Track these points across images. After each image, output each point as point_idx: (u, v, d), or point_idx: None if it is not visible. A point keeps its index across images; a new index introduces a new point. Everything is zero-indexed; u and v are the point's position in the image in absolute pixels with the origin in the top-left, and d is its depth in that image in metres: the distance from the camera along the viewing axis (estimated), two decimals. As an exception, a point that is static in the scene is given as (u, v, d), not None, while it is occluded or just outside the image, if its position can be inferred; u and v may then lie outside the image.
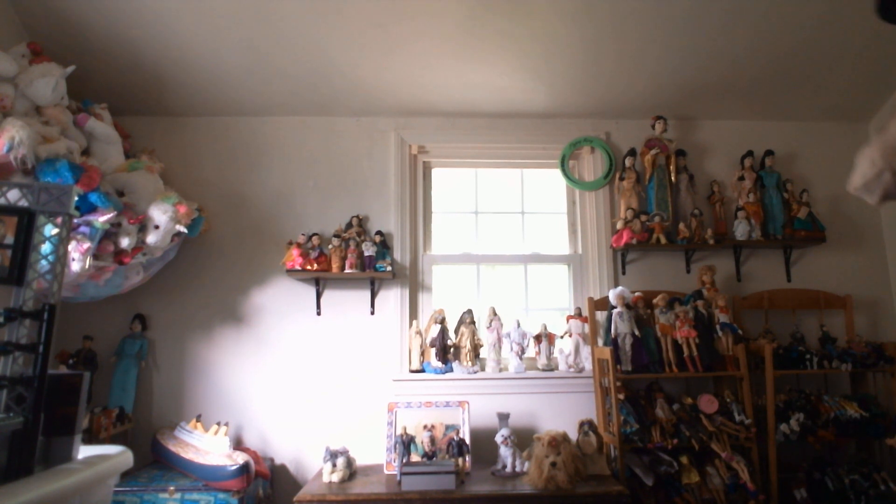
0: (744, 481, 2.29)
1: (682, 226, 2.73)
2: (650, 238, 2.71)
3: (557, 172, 2.97)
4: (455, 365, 2.68)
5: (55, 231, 1.14)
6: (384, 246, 2.73)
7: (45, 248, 1.13)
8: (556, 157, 2.96)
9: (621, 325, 2.53)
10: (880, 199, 0.96)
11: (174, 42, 2.42)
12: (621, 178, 2.87)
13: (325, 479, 2.24)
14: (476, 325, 2.72)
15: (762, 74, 2.72)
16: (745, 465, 2.33)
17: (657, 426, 2.40)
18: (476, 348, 2.70)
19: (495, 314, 2.73)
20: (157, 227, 2.22)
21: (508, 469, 2.33)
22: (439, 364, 2.65)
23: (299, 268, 2.59)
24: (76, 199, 1.77)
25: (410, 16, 2.33)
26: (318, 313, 2.76)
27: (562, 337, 2.76)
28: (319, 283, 2.76)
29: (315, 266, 2.61)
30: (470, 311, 2.73)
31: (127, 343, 2.61)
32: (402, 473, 2.15)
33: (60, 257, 1.14)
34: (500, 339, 2.71)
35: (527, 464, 2.30)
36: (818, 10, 2.38)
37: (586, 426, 2.42)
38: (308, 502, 2.07)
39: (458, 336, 2.71)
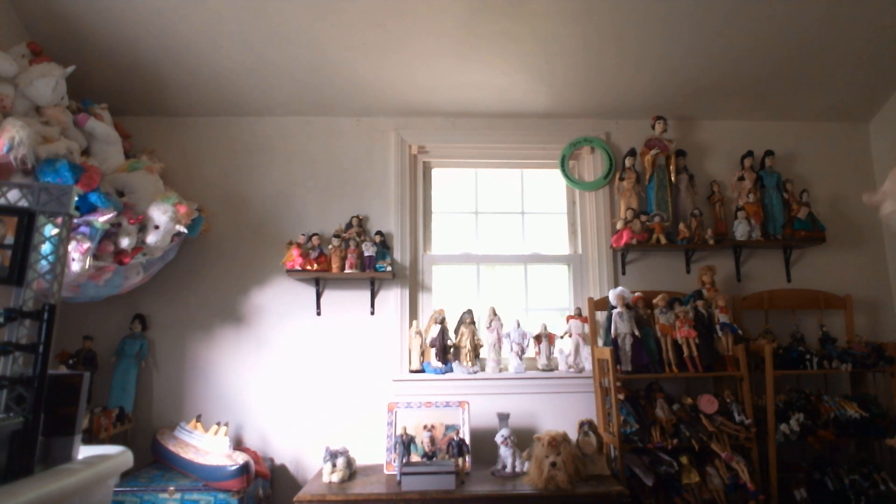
0: (744, 481, 2.29)
1: (682, 226, 2.73)
2: (650, 238, 2.71)
3: (557, 172, 2.97)
4: (455, 365, 2.68)
5: (55, 231, 1.14)
6: (384, 246, 2.73)
7: (45, 248, 1.13)
8: (556, 157, 2.96)
9: (621, 326, 2.53)
10: None
11: (174, 42, 2.42)
12: (621, 179, 2.87)
13: (325, 479, 2.24)
14: (476, 325, 2.72)
15: (762, 74, 2.72)
16: (745, 465, 2.33)
17: (657, 426, 2.40)
18: (476, 348, 2.70)
19: (495, 314, 2.73)
20: (157, 227, 2.22)
21: (508, 469, 2.33)
22: (439, 364, 2.65)
23: (299, 268, 2.58)
24: (76, 199, 1.77)
25: (411, 15, 2.33)
26: (318, 313, 2.76)
27: (562, 337, 2.76)
28: (319, 283, 2.76)
29: (315, 266, 2.61)
30: (470, 311, 2.73)
31: (127, 343, 2.61)
32: (402, 473, 2.15)
33: (60, 257, 1.14)
34: (500, 339, 2.71)
35: (527, 464, 2.30)
36: (818, 11, 2.38)
37: (586, 426, 2.42)
38: (308, 502, 2.07)
39: (458, 336, 2.70)
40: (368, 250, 2.65)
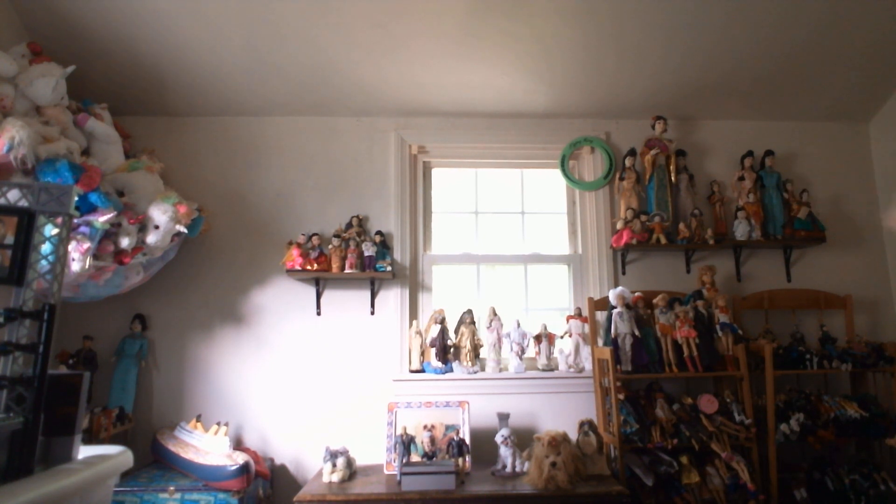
0: (744, 481, 2.29)
1: (682, 226, 2.73)
2: (650, 238, 2.71)
3: (557, 172, 2.97)
4: (455, 365, 2.68)
5: (55, 231, 1.14)
6: (384, 246, 2.73)
7: (45, 248, 1.13)
8: (556, 157, 2.96)
9: (621, 325, 2.53)
10: None
11: (174, 42, 2.42)
12: (621, 178, 2.87)
13: (325, 479, 2.24)
14: (476, 325, 2.72)
15: (762, 74, 2.72)
16: (745, 465, 2.33)
17: (657, 426, 2.40)
18: (476, 348, 2.70)
19: (495, 314, 2.73)
20: (157, 227, 2.22)
21: (508, 469, 2.33)
22: (439, 364, 2.65)
23: (299, 268, 2.58)
24: (76, 199, 1.77)
25: (410, 15, 2.33)
26: (318, 313, 2.76)
27: (562, 337, 2.76)
28: (319, 283, 2.76)
29: (315, 266, 2.61)
30: (470, 311, 2.73)
31: (127, 343, 2.61)
32: (402, 473, 2.15)
33: (60, 257, 1.14)
34: (500, 339, 2.71)
35: (527, 464, 2.30)
36: (818, 11, 2.38)
37: (586, 426, 2.42)
38: (308, 502, 2.07)
39: (458, 336, 2.70)
40: (368, 250, 2.65)
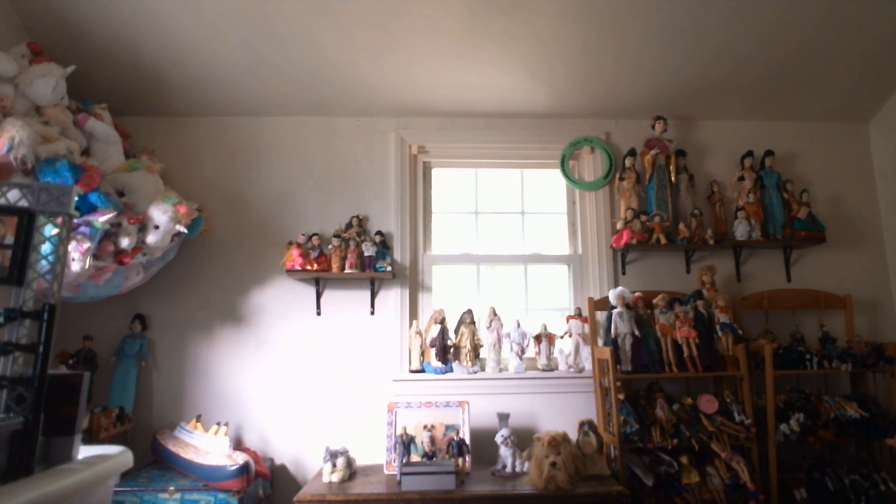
0: (744, 481, 2.29)
1: (682, 226, 2.73)
2: (650, 238, 2.71)
3: (557, 172, 2.97)
4: (455, 365, 2.68)
5: (55, 231, 1.14)
6: (384, 246, 2.73)
7: (45, 248, 1.13)
8: (556, 157, 2.96)
9: (621, 325, 2.53)
10: None
11: (174, 42, 2.42)
12: (621, 179, 2.87)
13: (325, 479, 2.24)
14: (476, 325, 2.72)
15: (762, 74, 2.72)
16: (745, 465, 2.33)
17: (657, 426, 2.40)
18: (476, 348, 2.70)
19: (495, 314, 2.73)
20: (157, 227, 2.22)
21: (508, 469, 2.33)
22: (439, 364, 2.65)
23: (299, 268, 2.59)
24: (76, 199, 1.77)
25: (410, 15, 2.33)
26: (318, 313, 2.76)
27: (562, 337, 2.76)
28: (319, 283, 2.76)
29: (315, 266, 2.61)
30: (470, 311, 2.73)
31: (127, 343, 2.61)
32: (402, 473, 2.15)
33: (60, 257, 1.14)
34: (500, 339, 2.71)
35: (527, 464, 2.30)
36: (819, 11, 2.38)
37: (586, 426, 2.42)
38: (308, 502, 2.07)
39: (458, 336, 2.70)
40: (368, 250, 2.65)
